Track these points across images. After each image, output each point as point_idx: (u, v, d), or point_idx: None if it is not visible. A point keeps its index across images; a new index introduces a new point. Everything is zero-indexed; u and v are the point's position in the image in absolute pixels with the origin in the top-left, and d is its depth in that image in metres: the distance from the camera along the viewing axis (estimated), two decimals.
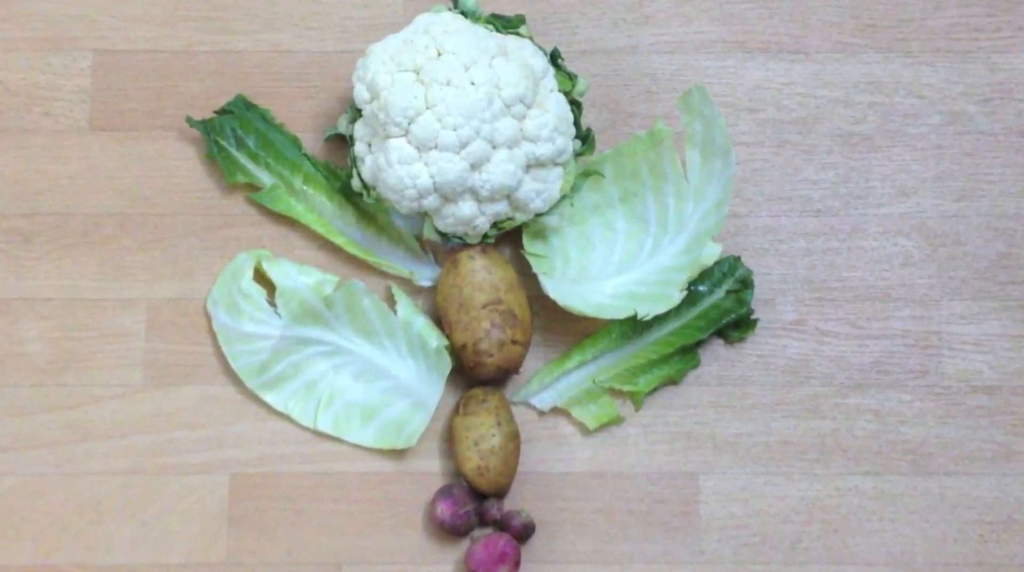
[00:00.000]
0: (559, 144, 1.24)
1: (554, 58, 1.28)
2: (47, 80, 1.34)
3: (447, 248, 1.29)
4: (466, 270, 1.26)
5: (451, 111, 1.20)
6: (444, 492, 1.24)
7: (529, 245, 1.29)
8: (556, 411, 1.28)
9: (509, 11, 1.31)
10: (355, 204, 1.31)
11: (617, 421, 1.28)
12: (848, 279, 1.31)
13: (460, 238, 1.27)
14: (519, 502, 1.27)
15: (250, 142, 1.31)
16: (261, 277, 1.29)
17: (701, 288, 1.28)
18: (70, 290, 1.30)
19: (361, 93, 1.25)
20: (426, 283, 1.30)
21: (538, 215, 1.27)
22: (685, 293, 1.25)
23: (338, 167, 1.31)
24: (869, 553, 1.26)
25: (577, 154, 1.27)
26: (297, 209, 1.30)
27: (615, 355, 1.28)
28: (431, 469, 1.27)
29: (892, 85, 1.35)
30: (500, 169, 1.22)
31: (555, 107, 1.24)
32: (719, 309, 1.28)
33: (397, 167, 1.22)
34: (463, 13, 1.27)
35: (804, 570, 1.26)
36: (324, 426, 1.27)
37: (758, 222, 1.32)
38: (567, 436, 1.28)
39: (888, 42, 1.35)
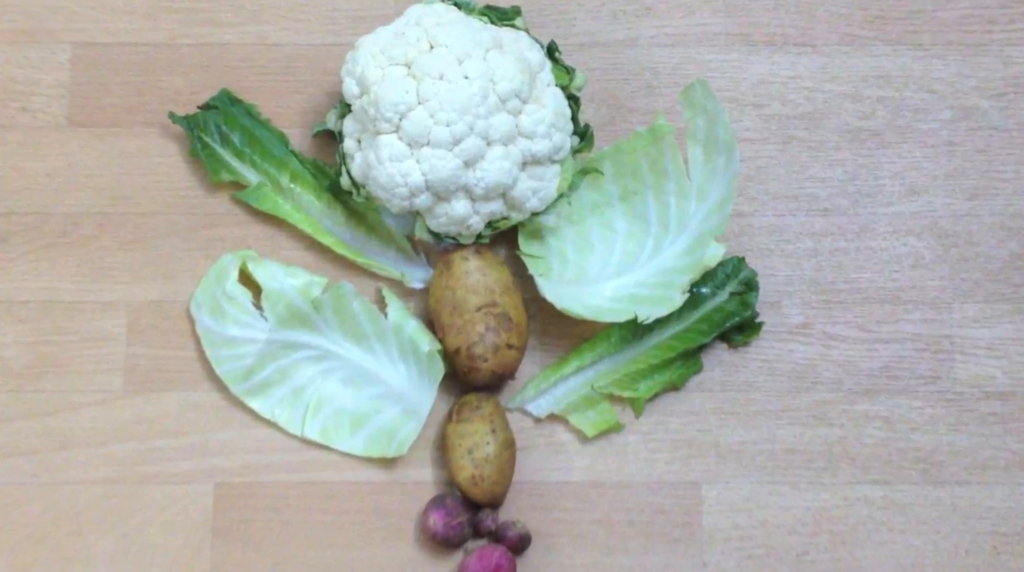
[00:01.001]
0: (556, 141, 1.24)
1: (551, 51, 1.28)
2: (24, 74, 1.34)
3: (440, 249, 1.29)
4: (459, 271, 1.25)
5: (444, 106, 1.20)
6: (437, 502, 1.24)
7: (525, 245, 1.28)
8: (553, 418, 1.28)
9: (504, 2, 1.31)
10: (344, 203, 1.31)
11: (616, 428, 1.27)
12: (856, 281, 1.31)
13: (453, 238, 1.27)
14: (515, 513, 1.26)
15: (235, 138, 1.31)
16: (246, 279, 1.28)
17: (704, 290, 1.28)
18: (48, 292, 1.30)
19: (350, 88, 1.25)
20: (418, 285, 1.30)
21: (534, 214, 1.27)
22: (687, 295, 1.25)
23: (326, 164, 1.31)
24: (878, 565, 1.26)
25: (575, 151, 1.27)
26: (284, 208, 1.30)
27: (614, 360, 1.27)
28: (423, 478, 1.27)
29: (902, 79, 1.34)
30: (495, 166, 1.22)
31: (552, 102, 1.24)
32: (722, 312, 1.28)
33: (388, 164, 1.22)
34: (456, 4, 1.27)
35: None
36: (312, 434, 1.27)
37: (763, 221, 1.32)
38: (564, 444, 1.28)
39: (898, 34, 1.35)
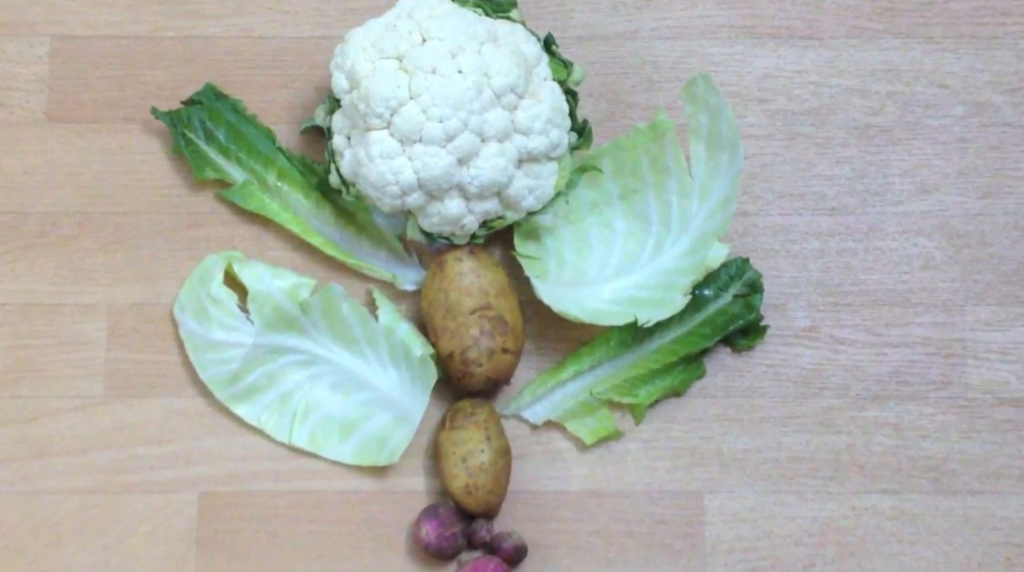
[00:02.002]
0: (553, 137, 1.24)
1: (548, 44, 1.28)
2: (1, 68, 1.34)
3: (432, 249, 1.29)
4: (453, 273, 1.25)
5: (437, 101, 1.20)
6: (429, 512, 1.24)
7: (521, 246, 1.28)
8: (550, 425, 1.28)
9: None
10: (333, 202, 1.30)
11: (616, 436, 1.27)
12: (865, 282, 1.30)
13: (446, 238, 1.27)
14: (510, 523, 1.26)
15: (220, 135, 1.31)
16: (232, 281, 1.28)
17: (706, 292, 1.28)
18: (26, 295, 1.29)
19: (340, 82, 1.25)
20: (410, 287, 1.29)
21: (531, 214, 1.27)
22: (689, 298, 1.25)
23: (315, 162, 1.31)
24: None
25: (573, 148, 1.27)
26: (271, 207, 1.30)
27: (614, 365, 1.27)
28: (415, 487, 1.27)
29: (912, 73, 1.34)
30: (490, 164, 1.22)
31: (549, 97, 1.24)
32: (726, 315, 1.28)
33: (378, 162, 1.22)
34: None
35: None
36: (300, 441, 1.27)
37: (768, 221, 1.32)
38: (562, 452, 1.28)
39: (908, 27, 1.35)
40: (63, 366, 1.28)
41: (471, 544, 1.25)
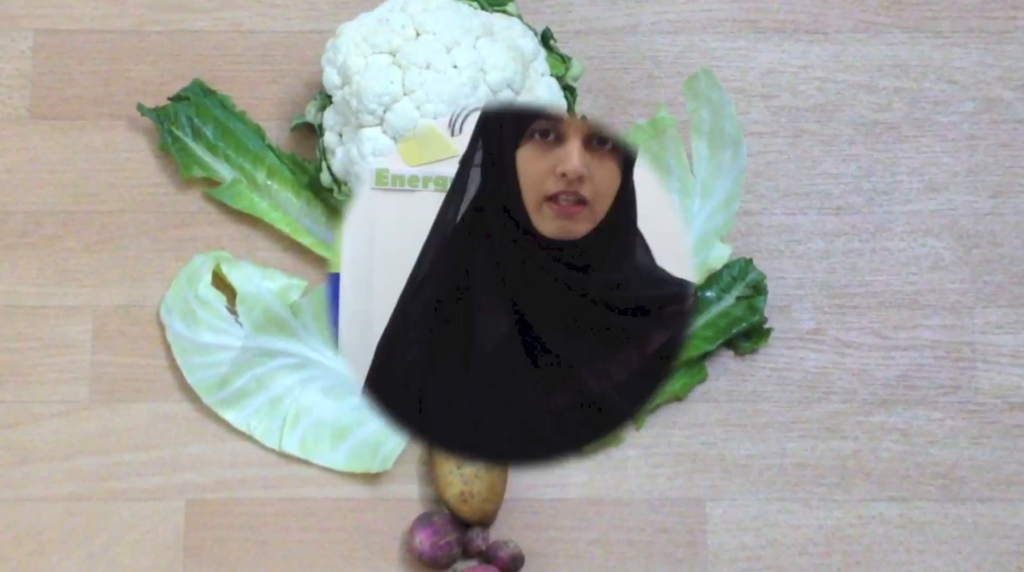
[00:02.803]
0: None
1: (545, 39, 1.28)
2: None
3: None
4: None
5: (431, 97, 1.20)
6: (423, 520, 1.23)
7: None
8: None
9: None
10: (324, 201, 1.30)
11: (615, 441, 1.27)
12: (872, 284, 1.30)
13: None
14: (506, 532, 1.26)
15: (208, 132, 1.30)
16: (220, 282, 1.28)
17: (708, 294, 1.27)
18: (8, 296, 1.29)
19: (331, 78, 1.25)
20: None
21: None
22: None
23: (306, 160, 1.31)
24: None
25: None
26: (260, 206, 1.30)
27: None
28: (409, 495, 1.27)
29: (920, 69, 1.34)
30: None
31: (547, 93, 1.24)
32: (729, 317, 1.27)
33: (371, 160, 1.21)
34: None
35: None
36: (290, 447, 1.26)
37: (772, 221, 1.31)
38: None
39: (916, 21, 1.35)
40: (47, 370, 1.28)
41: (466, 553, 1.25)
